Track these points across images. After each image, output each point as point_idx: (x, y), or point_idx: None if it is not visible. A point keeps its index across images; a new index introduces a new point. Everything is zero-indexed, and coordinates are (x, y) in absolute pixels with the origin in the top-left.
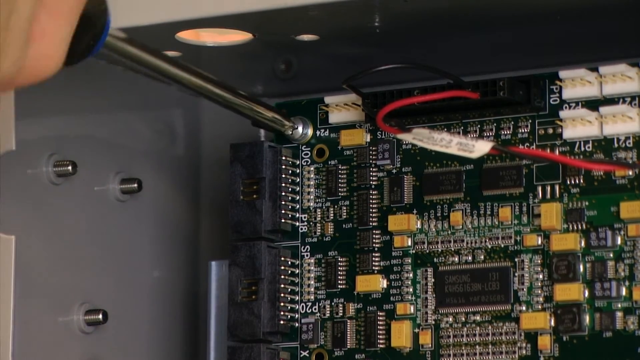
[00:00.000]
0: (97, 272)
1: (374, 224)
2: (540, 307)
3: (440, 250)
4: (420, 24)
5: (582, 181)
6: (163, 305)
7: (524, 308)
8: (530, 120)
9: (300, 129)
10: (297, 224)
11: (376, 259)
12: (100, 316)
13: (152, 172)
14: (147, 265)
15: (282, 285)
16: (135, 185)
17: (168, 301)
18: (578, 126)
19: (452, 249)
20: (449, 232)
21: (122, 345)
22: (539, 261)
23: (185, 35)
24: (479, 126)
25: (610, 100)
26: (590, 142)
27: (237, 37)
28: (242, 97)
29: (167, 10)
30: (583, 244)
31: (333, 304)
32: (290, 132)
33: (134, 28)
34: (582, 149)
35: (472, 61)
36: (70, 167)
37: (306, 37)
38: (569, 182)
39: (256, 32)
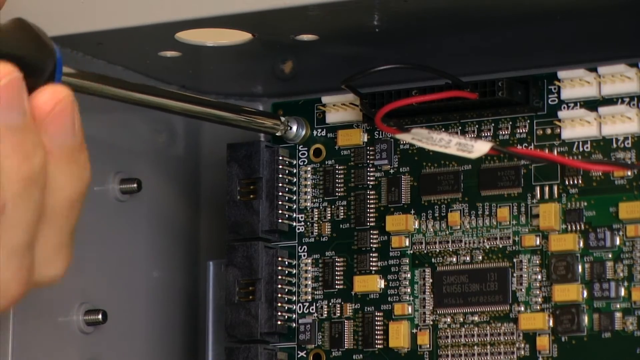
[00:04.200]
0: (96, 272)
1: (372, 224)
2: (538, 307)
3: (438, 250)
4: (420, 24)
5: (580, 181)
6: (162, 305)
7: (522, 308)
8: (528, 121)
9: (294, 129)
10: (295, 224)
11: (374, 259)
12: (100, 316)
13: (151, 172)
14: (146, 265)
15: (280, 286)
16: (135, 185)
17: (167, 301)
18: (577, 126)
19: (450, 249)
20: (447, 232)
21: (122, 345)
22: (538, 262)
23: (185, 36)
24: (477, 126)
25: (609, 101)
26: (589, 142)
27: (236, 37)
28: (234, 111)
29: (166, 10)
30: (582, 244)
31: (330, 304)
32: (284, 133)
33: (133, 28)
34: (581, 149)
35: (471, 61)
36: None
37: (306, 37)
38: (567, 183)
39: (256, 32)
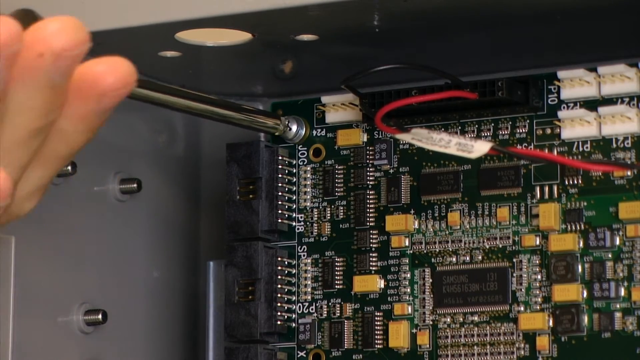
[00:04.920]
0: (96, 272)
1: (371, 224)
2: (538, 307)
3: (438, 250)
4: (420, 24)
5: (580, 181)
6: (162, 305)
7: (522, 308)
8: (528, 121)
9: (294, 128)
10: (294, 224)
11: (373, 259)
12: (100, 316)
13: (151, 172)
14: (146, 265)
15: (279, 286)
16: (135, 185)
17: (167, 301)
18: (576, 126)
19: (450, 249)
20: (447, 232)
21: (122, 346)
22: (538, 261)
23: (185, 36)
24: (476, 126)
25: (609, 101)
26: (589, 142)
27: (236, 37)
28: (233, 109)
29: (166, 10)
30: (582, 244)
31: (330, 304)
32: (285, 132)
33: (133, 28)
34: (581, 149)
35: (470, 61)
36: (69, 167)
37: (306, 37)
38: (567, 183)
39: (256, 32)
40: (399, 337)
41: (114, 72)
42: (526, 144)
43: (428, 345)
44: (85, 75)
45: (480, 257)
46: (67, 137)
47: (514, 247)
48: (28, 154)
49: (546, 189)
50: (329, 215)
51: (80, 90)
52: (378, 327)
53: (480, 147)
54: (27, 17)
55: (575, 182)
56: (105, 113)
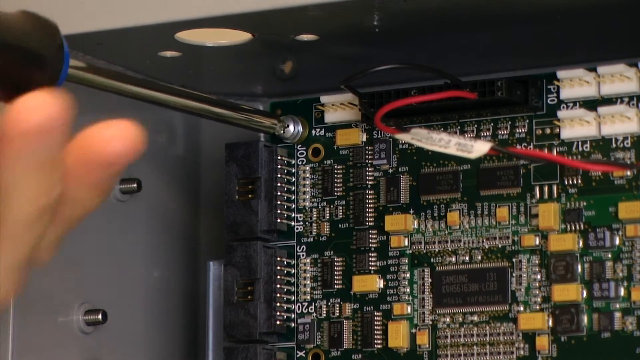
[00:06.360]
0: (96, 272)
1: (371, 223)
2: (538, 307)
3: (437, 250)
4: (420, 24)
5: (580, 181)
6: (162, 305)
7: (521, 308)
8: (527, 120)
9: (291, 128)
10: (293, 223)
11: (373, 259)
12: (100, 316)
13: (151, 172)
14: (146, 265)
15: (278, 286)
16: (135, 185)
17: (167, 301)
18: (576, 126)
19: (450, 249)
20: (446, 232)
21: (122, 346)
22: (537, 261)
23: (185, 36)
24: (476, 126)
25: (609, 101)
26: (588, 142)
27: (236, 37)
28: (231, 108)
29: (166, 10)
30: (581, 244)
31: (329, 304)
32: (282, 132)
33: (133, 28)
34: (580, 149)
35: (470, 61)
36: None
37: (305, 37)
38: (566, 182)
39: (256, 32)
40: (398, 337)
41: (121, 138)
42: (525, 144)
43: (427, 345)
44: (92, 143)
45: (479, 257)
46: (81, 203)
47: (513, 247)
48: (38, 233)
49: (546, 188)
50: (328, 215)
51: (88, 159)
52: (377, 327)
53: (479, 147)
54: (28, 19)
55: (575, 182)
56: (115, 177)
